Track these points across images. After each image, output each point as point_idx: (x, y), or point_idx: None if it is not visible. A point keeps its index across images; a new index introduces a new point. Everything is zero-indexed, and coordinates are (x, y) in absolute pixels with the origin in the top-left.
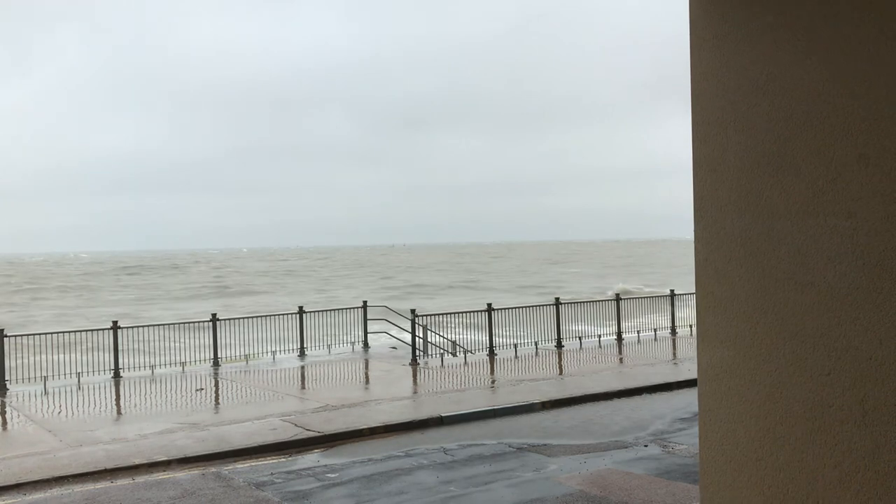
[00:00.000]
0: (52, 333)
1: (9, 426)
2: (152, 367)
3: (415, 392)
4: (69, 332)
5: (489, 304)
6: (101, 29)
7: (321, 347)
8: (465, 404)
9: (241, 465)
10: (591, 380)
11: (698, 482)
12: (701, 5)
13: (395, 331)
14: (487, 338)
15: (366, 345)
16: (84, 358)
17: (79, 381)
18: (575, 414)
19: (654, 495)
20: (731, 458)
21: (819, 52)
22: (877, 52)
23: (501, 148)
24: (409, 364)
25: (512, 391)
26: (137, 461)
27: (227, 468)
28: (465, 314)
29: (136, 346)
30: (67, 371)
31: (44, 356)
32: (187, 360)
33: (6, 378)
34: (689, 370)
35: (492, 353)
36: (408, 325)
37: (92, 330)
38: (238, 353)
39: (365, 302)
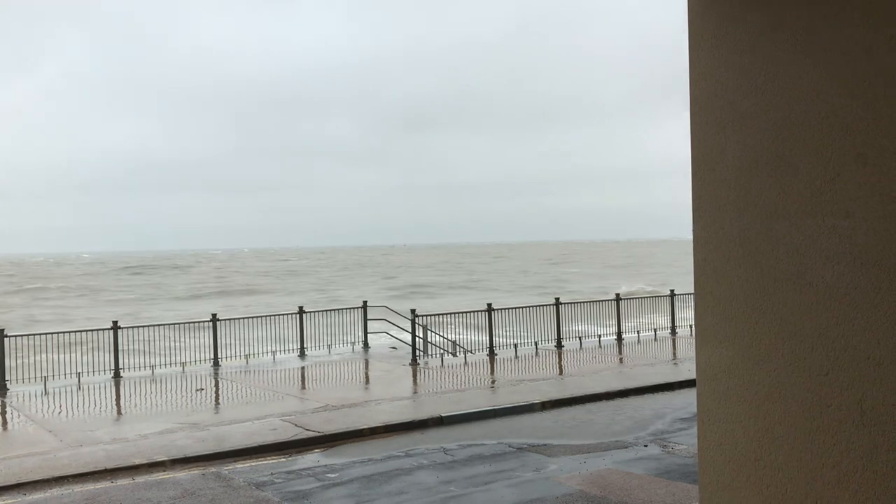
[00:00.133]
0: (52, 333)
1: (9, 426)
2: (152, 367)
3: (415, 392)
4: (69, 332)
5: (489, 305)
6: (102, 28)
7: (321, 347)
8: (465, 404)
9: (241, 465)
10: (591, 380)
11: (697, 482)
12: (699, 5)
13: (395, 331)
14: (487, 338)
15: (366, 345)
16: (84, 358)
17: (79, 381)
18: (575, 414)
19: (654, 495)
20: (730, 457)
21: (818, 52)
22: (875, 52)
23: (502, 148)
24: (410, 364)
25: (512, 391)
26: (137, 461)
27: (227, 468)
28: (465, 314)
29: (136, 346)
30: (68, 371)
31: (44, 356)
32: (187, 360)
33: (6, 378)
34: (689, 370)
35: (492, 353)
36: (408, 325)
37: (92, 330)
38: (238, 353)
39: (365, 302)
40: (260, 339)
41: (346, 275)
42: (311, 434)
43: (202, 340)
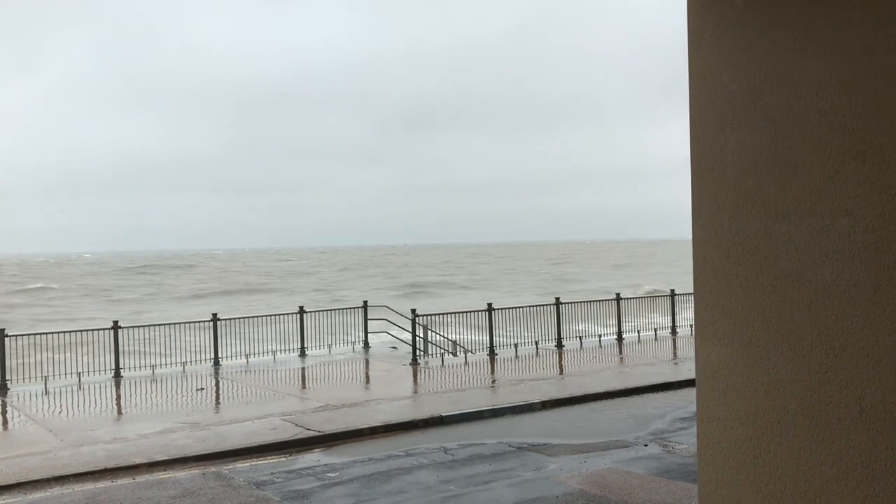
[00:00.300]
0: (52, 333)
1: (10, 426)
2: (153, 366)
3: (415, 392)
4: (70, 332)
5: (489, 304)
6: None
7: (322, 347)
8: (466, 404)
9: (242, 465)
10: (591, 379)
11: (697, 480)
12: (699, 4)
13: (395, 330)
14: (488, 338)
15: (366, 345)
16: (85, 358)
17: (79, 380)
18: (575, 413)
19: (654, 494)
20: (729, 455)
21: (817, 50)
22: (875, 51)
23: (502, 148)
24: (410, 364)
25: (512, 391)
26: (138, 461)
27: (228, 467)
28: (465, 314)
29: (136, 346)
30: (68, 371)
31: (45, 356)
32: (188, 359)
33: (7, 378)
34: (689, 370)
35: (492, 353)
36: (408, 325)
37: (92, 330)
38: (239, 353)
39: (365, 302)
40: (260, 338)
41: (347, 275)
42: (311, 433)
43: (203, 340)
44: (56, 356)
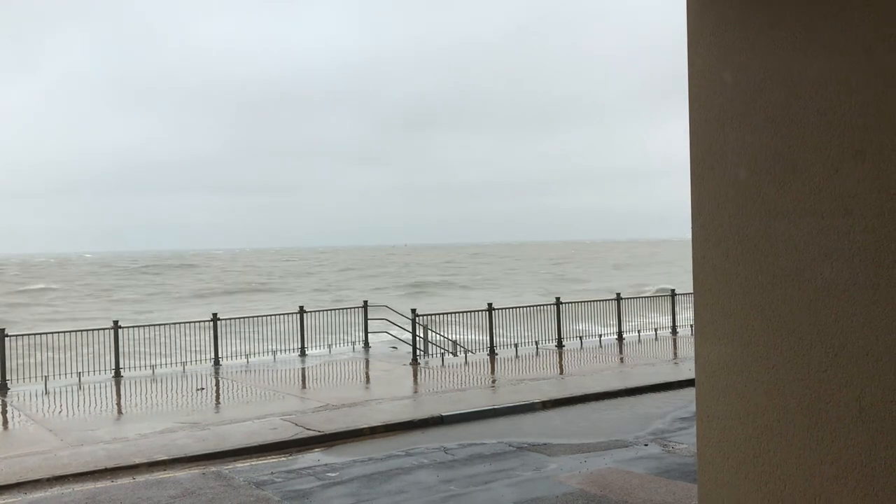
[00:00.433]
0: (53, 333)
1: (10, 425)
2: (153, 366)
3: (415, 391)
4: (70, 331)
5: (489, 304)
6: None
7: (322, 347)
8: (466, 404)
9: (242, 465)
10: (591, 379)
11: (697, 480)
12: (698, 4)
13: (395, 330)
14: (488, 337)
15: (366, 344)
16: (85, 358)
17: (80, 380)
18: (575, 413)
19: (654, 494)
20: (729, 454)
21: (816, 49)
22: (874, 50)
23: (502, 148)
24: (410, 364)
25: (512, 391)
26: (138, 460)
27: (228, 467)
28: (465, 314)
29: (137, 346)
30: (68, 370)
31: (45, 356)
32: (188, 359)
33: (7, 378)
34: (690, 369)
35: (492, 353)
36: (409, 325)
37: (93, 330)
38: (239, 353)
39: (366, 301)
40: (260, 338)
41: (348, 275)
42: (311, 433)
43: (203, 340)
44: (56, 356)
